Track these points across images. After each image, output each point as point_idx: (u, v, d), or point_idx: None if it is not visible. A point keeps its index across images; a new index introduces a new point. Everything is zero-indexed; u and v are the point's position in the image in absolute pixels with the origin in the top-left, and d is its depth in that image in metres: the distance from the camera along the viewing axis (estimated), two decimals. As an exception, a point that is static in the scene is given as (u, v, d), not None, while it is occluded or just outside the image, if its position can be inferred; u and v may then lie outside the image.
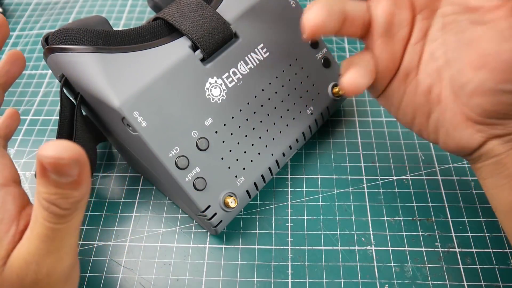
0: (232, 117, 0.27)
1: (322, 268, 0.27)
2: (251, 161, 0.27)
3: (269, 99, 0.28)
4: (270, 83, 0.28)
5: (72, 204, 0.17)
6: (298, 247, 0.28)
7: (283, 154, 0.29)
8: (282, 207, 0.30)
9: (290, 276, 0.27)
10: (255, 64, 0.28)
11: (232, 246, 0.28)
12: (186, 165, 0.25)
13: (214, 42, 0.26)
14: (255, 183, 0.28)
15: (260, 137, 0.28)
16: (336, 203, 0.30)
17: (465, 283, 0.26)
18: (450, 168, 0.31)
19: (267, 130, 0.28)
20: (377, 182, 0.31)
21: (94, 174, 0.32)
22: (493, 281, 0.26)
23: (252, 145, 0.27)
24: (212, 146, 0.26)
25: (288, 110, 0.29)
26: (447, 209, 0.29)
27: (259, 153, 0.28)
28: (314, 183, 0.31)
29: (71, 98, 0.27)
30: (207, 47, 0.26)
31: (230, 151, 0.26)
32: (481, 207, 0.29)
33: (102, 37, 0.24)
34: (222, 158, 0.26)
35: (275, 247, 0.28)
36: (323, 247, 0.28)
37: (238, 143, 0.27)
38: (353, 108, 0.35)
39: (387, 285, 0.26)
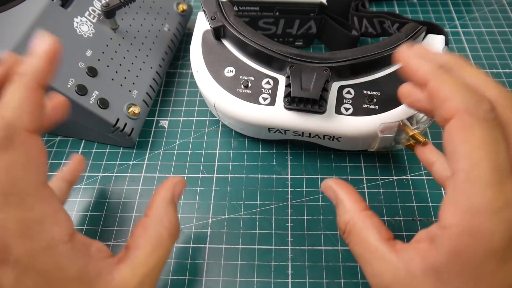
0: (107, 45, 0.32)
1: (322, 268, 0.27)
2: (137, 76, 0.33)
3: (130, 25, 0.35)
4: (126, 13, 0.34)
5: None
6: (298, 247, 0.28)
7: (160, 66, 0.36)
8: (282, 207, 0.30)
9: (290, 276, 0.27)
10: None
11: (232, 246, 0.28)
12: (85, 91, 0.29)
13: None
14: (147, 93, 0.34)
15: (136, 56, 0.34)
16: (336, 203, 0.30)
17: (465, 283, 0.26)
18: (450, 168, 0.31)
19: (139, 50, 0.34)
20: (377, 182, 0.31)
21: (94, 174, 0.32)
22: (493, 281, 0.26)
23: (132, 63, 0.34)
24: (100, 71, 0.31)
25: (149, 30, 0.36)
26: (447, 209, 0.29)
27: (140, 69, 0.34)
28: (314, 183, 0.31)
29: None
30: None
31: (117, 72, 0.32)
32: (481, 207, 0.29)
33: None
34: (112, 79, 0.31)
35: (275, 247, 0.28)
36: (323, 247, 0.28)
37: (121, 65, 0.33)
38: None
39: (387, 285, 0.26)
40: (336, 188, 0.23)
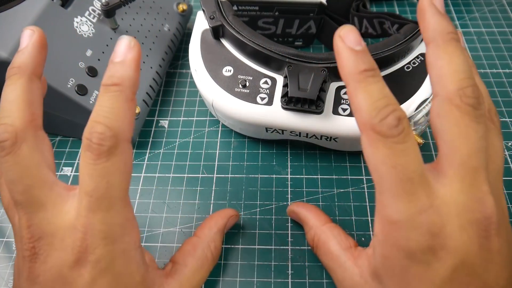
0: (107, 45, 0.32)
1: (322, 268, 0.27)
2: None
3: (130, 25, 0.34)
4: (126, 13, 0.34)
5: None
6: (298, 247, 0.28)
7: (160, 66, 0.36)
8: (282, 207, 0.30)
9: (290, 276, 0.27)
10: None
11: (232, 246, 0.28)
12: (85, 91, 0.29)
13: None
14: (147, 93, 0.34)
15: None
16: (336, 203, 0.30)
17: (465, 283, 0.26)
18: (450, 168, 0.31)
19: None
20: (377, 182, 0.31)
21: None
22: (493, 281, 0.26)
23: None
24: (101, 71, 0.31)
25: (149, 30, 0.36)
26: (447, 209, 0.29)
27: (140, 69, 0.32)
28: (314, 183, 0.31)
29: None
30: None
31: None
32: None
33: None
34: None
35: (275, 247, 0.28)
36: (323, 247, 0.28)
37: None
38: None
39: (387, 285, 0.26)
40: (298, 210, 0.26)
